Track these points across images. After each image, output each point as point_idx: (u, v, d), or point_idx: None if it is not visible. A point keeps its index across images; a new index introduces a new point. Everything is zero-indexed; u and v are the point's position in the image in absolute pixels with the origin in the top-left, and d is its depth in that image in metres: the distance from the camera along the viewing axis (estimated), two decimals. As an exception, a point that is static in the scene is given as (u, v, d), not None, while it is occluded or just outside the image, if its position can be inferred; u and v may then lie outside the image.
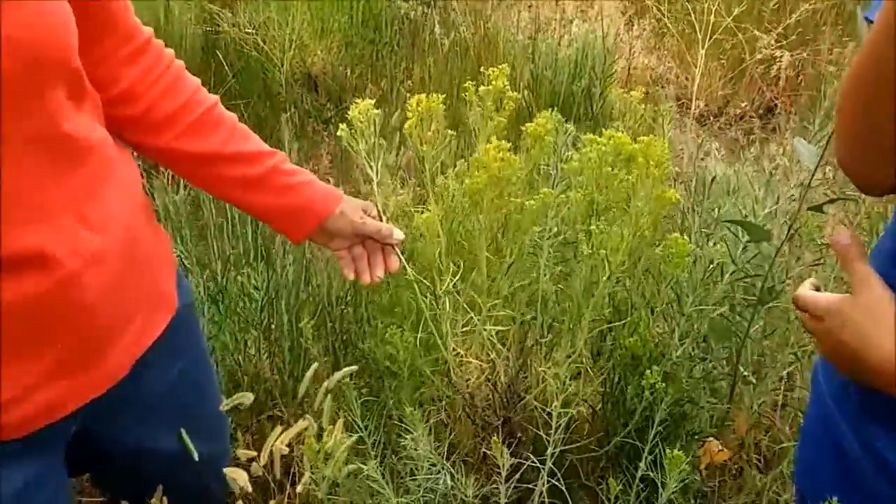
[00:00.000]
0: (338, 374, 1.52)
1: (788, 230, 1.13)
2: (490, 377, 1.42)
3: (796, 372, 1.44)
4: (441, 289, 1.23)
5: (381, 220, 1.17)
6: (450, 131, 1.24)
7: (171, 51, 1.01)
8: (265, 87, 3.25)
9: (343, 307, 1.74)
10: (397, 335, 1.33)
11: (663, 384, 1.17)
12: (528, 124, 1.38)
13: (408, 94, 3.47)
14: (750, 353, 1.31)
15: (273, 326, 1.80)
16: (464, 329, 1.41)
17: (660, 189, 1.21)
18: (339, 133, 1.16)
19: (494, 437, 1.05)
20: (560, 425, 1.12)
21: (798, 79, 3.56)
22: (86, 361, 0.87)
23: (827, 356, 0.78)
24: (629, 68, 3.51)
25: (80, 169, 0.83)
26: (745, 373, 1.32)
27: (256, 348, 1.85)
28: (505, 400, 1.41)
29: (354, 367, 1.54)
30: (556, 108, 1.52)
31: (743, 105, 3.67)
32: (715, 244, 1.25)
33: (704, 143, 2.94)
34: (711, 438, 1.37)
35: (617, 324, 1.27)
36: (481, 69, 1.43)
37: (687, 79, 4.00)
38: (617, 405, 1.31)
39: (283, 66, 3.28)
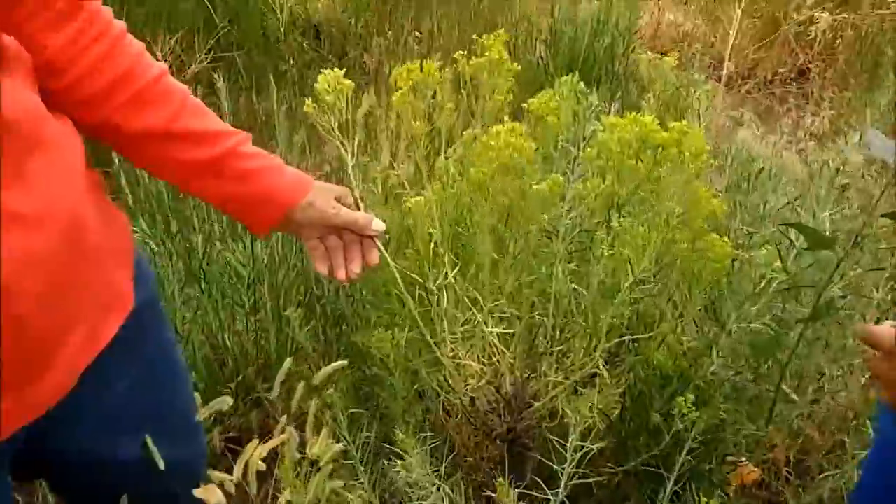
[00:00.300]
0: (324, 371, 1.36)
1: (855, 238, 0.95)
2: (492, 381, 1.26)
3: (835, 379, 1.27)
4: (434, 283, 1.06)
5: (358, 209, 1.01)
6: (449, 105, 1.06)
7: (112, 17, 0.84)
8: (263, 35, 3.03)
9: (335, 291, 1.57)
10: (387, 339, 1.17)
11: (696, 411, 1.00)
12: (531, 100, 1.18)
13: (416, 47, 3.24)
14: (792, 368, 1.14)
15: (258, 308, 1.63)
16: (463, 328, 1.25)
17: (696, 188, 1.02)
18: (304, 108, 0.99)
19: (500, 479, 0.88)
20: (574, 459, 0.95)
21: (836, 42, 3.31)
22: (24, 378, 0.75)
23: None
24: (656, 24, 3.27)
25: None
26: (788, 390, 1.15)
27: (245, 327, 1.69)
28: (510, 409, 1.25)
29: (343, 363, 1.38)
30: (575, 71, 1.33)
31: (775, 68, 3.43)
32: (762, 247, 1.07)
33: (738, 113, 2.74)
34: (744, 461, 1.21)
35: (642, 335, 1.10)
36: (497, 23, 1.24)
37: (715, 37, 3.75)
38: (638, 423, 1.15)
39: (282, 12, 3.05)
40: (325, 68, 3.08)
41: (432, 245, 1.20)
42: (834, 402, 1.24)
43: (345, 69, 2.86)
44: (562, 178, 1.04)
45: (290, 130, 2.64)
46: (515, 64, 1.09)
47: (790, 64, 3.55)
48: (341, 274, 1.00)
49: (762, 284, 1.01)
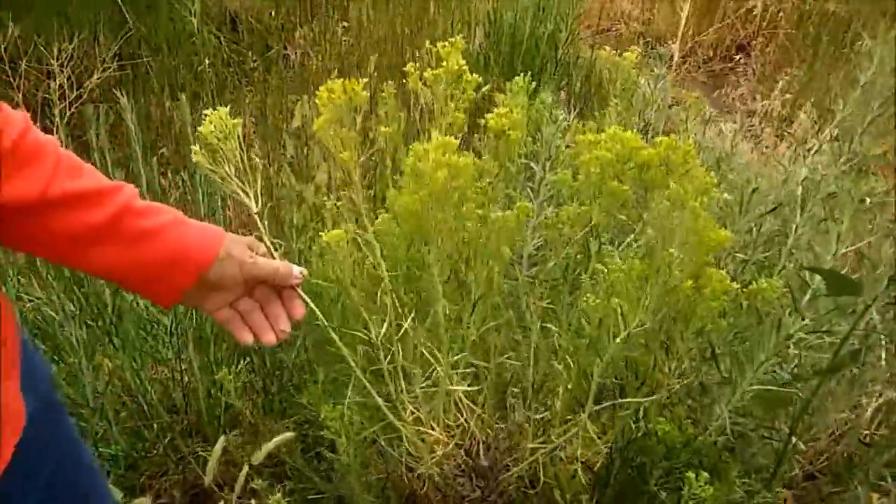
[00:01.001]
0: (266, 448, 1.17)
1: (888, 284, 0.81)
2: (461, 443, 1.09)
3: (848, 423, 1.16)
4: (380, 337, 0.90)
5: (272, 257, 0.85)
6: (383, 129, 0.89)
7: None
8: (175, 33, 2.76)
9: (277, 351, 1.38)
10: (336, 414, 0.98)
11: (709, 487, 0.86)
12: (488, 115, 1.01)
13: (344, 39, 3.02)
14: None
15: (183, 359, 1.42)
16: (422, 387, 1.07)
17: (697, 220, 0.86)
18: (192, 156, 0.81)
19: None
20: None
21: (777, 16, 3.23)
22: None
23: None
24: (599, 8, 3.13)
25: None
26: (799, 442, 1.01)
27: (172, 381, 1.48)
28: (483, 475, 1.09)
29: (289, 435, 1.20)
30: (517, 60, 1.17)
31: (716, 45, 3.33)
32: (768, 281, 0.92)
33: (683, 93, 2.61)
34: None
35: (641, 399, 0.95)
36: (431, 10, 1.05)
37: (651, 15, 3.63)
38: (633, 494, 1.00)
39: (195, 3, 2.78)
40: (246, 65, 2.80)
41: (379, 292, 1.02)
42: (842, 444, 1.13)
43: (267, 65, 2.60)
44: (530, 205, 0.87)
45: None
46: (476, 75, 0.91)
47: (729, 41, 3.46)
48: (269, 337, 0.84)
49: (777, 333, 0.87)
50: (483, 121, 1.14)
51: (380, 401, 1.03)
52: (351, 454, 1.05)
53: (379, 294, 1.03)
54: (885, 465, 1.10)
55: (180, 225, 0.77)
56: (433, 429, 1.08)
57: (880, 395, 1.35)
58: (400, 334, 1.01)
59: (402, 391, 1.07)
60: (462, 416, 1.11)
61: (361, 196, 1.01)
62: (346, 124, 0.89)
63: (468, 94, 1.00)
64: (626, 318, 0.88)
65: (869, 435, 1.35)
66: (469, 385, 1.07)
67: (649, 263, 0.87)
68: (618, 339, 0.89)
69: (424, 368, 1.07)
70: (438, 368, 1.03)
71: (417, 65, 0.97)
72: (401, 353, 1.05)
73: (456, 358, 1.04)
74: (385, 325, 1.00)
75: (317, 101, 0.91)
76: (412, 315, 1.03)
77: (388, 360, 1.03)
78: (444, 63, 0.96)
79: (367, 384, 1.02)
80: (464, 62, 0.99)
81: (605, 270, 0.91)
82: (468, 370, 1.07)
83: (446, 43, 0.98)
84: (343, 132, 0.90)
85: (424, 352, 1.05)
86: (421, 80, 0.93)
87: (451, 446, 1.10)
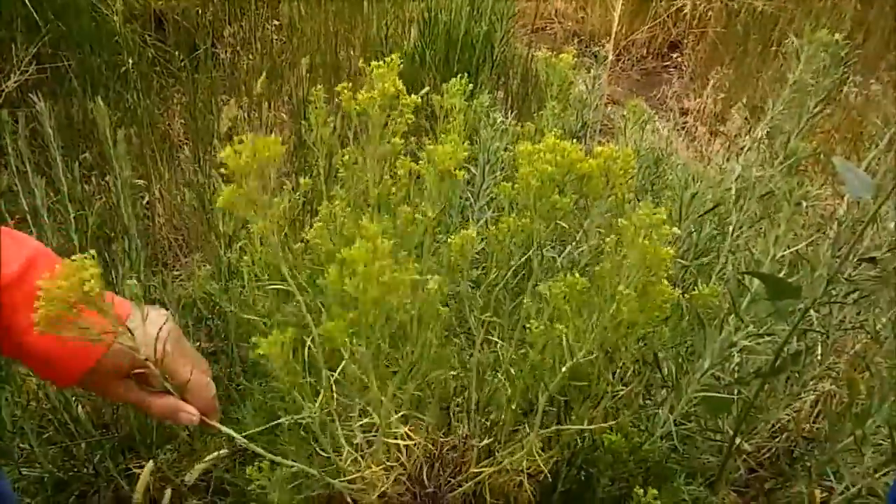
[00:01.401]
0: (198, 468, 1.12)
1: (826, 285, 0.81)
2: (403, 471, 1.05)
3: (788, 416, 1.16)
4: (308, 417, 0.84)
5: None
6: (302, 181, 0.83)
7: None
8: (97, 30, 2.64)
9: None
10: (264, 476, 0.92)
11: (657, 501, 0.84)
12: (429, 148, 0.96)
13: (275, 36, 2.94)
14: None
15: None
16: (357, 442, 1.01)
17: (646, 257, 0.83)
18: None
19: None
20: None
21: (706, 15, 3.28)
22: None
23: None
24: (535, 6, 3.12)
25: None
26: (743, 442, 1.02)
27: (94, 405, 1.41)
28: (429, 499, 1.05)
29: (222, 452, 1.14)
30: (453, 59, 1.14)
31: (648, 43, 3.37)
32: (708, 286, 0.92)
33: (618, 91, 2.63)
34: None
35: (585, 426, 0.92)
36: (365, 8, 1.00)
37: (585, 14, 3.65)
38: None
39: (116, 1, 2.67)
40: (173, 64, 2.70)
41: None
42: (784, 438, 1.14)
43: (195, 65, 2.51)
44: (474, 235, 0.83)
45: (142, 141, 2.31)
46: (414, 96, 0.87)
47: (662, 38, 3.50)
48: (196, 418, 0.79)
49: (719, 336, 0.86)
50: (424, 122, 1.10)
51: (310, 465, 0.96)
52: (278, 479, 1.00)
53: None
54: (828, 462, 1.11)
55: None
56: (372, 466, 1.02)
57: (815, 388, 1.37)
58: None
59: (337, 434, 1.00)
60: (403, 451, 1.06)
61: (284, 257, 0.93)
62: (260, 188, 0.78)
63: (406, 116, 0.96)
64: (571, 347, 0.86)
65: (809, 428, 1.37)
66: (409, 410, 1.02)
67: (596, 294, 0.84)
68: (564, 369, 0.86)
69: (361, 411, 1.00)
70: (375, 416, 0.96)
71: (349, 84, 0.91)
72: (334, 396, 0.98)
73: (394, 418, 0.97)
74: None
75: (222, 161, 0.78)
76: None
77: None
78: (380, 85, 0.91)
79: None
80: (401, 83, 0.93)
81: (548, 294, 0.88)
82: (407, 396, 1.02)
83: (381, 63, 0.92)
84: (258, 197, 0.79)
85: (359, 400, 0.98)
86: (354, 100, 0.88)
87: (392, 479, 1.05)
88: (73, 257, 0.63)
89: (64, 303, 0.60)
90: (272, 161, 0.69)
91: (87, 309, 0.63)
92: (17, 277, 0.65)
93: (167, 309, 0.95)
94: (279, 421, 0.98)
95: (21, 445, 1.34)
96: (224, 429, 0.79)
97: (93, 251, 0.64)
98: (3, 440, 1.31)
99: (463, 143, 1.15)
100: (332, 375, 0.83)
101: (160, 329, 0.73)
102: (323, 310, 0.91)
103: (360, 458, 0.91)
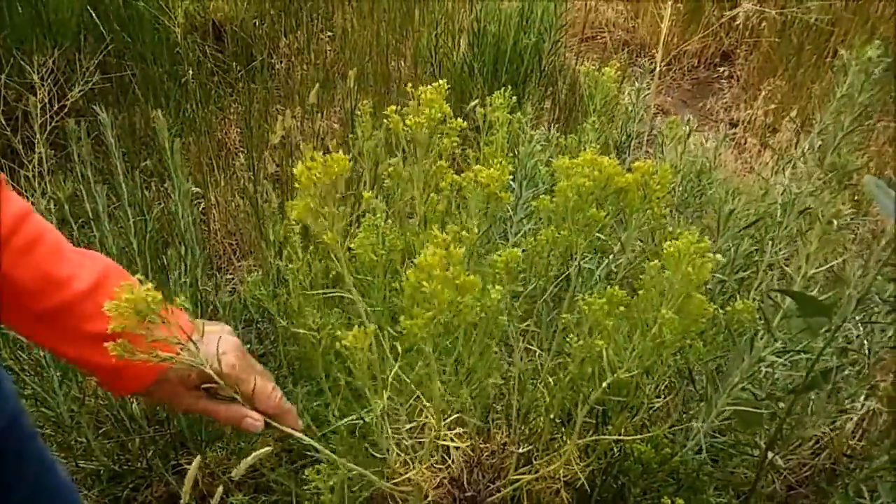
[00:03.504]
0: (245, 464, 1.16)
1: (857, 303, 0.82)
2: (446, 475, 1.08)
3: (830, 435, 1.16)
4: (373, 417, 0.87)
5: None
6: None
7: None
8: (158, 42, 2.74)
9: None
10: (316, 441, 0.97)
11: (686, 508, 0.86)
12: (476, 168, 0.98)
13: (328, 48, 3.01)
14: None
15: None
16: (411, 442, 1.05)
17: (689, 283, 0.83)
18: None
19: None
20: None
21: (760, 25, 3.24)
22: None
23: None
24: (585, 17, 3.13)
25: None
26: (776, 457, 1.02)
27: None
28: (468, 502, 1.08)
29: (268, 450, 1.18)
30: (501, 71, 1.16)
31: (700, 54, 3.35)
32: (745, 303, 0.93)
33: (667, 101, 2.63)
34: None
35: (623, 435, 0.94)
36: (415, 19, 1.03)
37: (635, 24, 3.64)
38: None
39: (177, 13, 2.77)
40: (230, 75, 2.79)
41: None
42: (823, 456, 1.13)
43: (251, 75, 2.59)
44: (519, 253, 0.86)
45: (199, 149, 2.40)
46: (459, 120, 0.90)
47: (714, 48, 3.47)
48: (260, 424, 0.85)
49: (751, 352, 0.87)
50: (469, 132, 1.13)
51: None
52: (334, 482, 1.04)
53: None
54: (865, 479, 1.11)
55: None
56: (422, 469, 1.06)
57: (862, 406, 1.36)
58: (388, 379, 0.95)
59: (388, 437, 1.03)
60: (449, 457, 1.09)
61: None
62: (327, 202, 0.82)
63: (451, 139, 0.99)
64: (611, 362, 0.87)
65: (850, 447, 1.36)
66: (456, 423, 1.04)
67: (637, 313, 0.85)
68: (604, 384, 0.88)
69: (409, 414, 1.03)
70: (431, 418, 0.99)
71: (398, 108, 0.94)
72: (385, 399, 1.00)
73: (449, 421, 1.00)
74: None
75: (295, 176, 0.82)
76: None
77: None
78: (427, 110, 0.94)
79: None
80: (447, 106, 0.96)
81: (587, 310, 0.89)
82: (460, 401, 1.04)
83: (429, 88, 0.95)
84: (326, 210, 0.83)
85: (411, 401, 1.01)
86: (402, 123, 0.91)
87: (437, 482, 1.08)
88: (138, 276, 0.68)
89: (135, 316, 0.65)
90: (340, 176, 0.74)
91: (155, 323, 0.68)
92: (89, 290, 0.70)
93: (226, 322, 1.00)
94: (345, 420, 1.02)
95: (78, 439, 1.41)
96: (294, 432, 0.84)
97: (139, 276, 0.69)
98: (63, 434, 1.38)
99: (506, 155, 1.19)
100: (400, 375, 0.87)
101: (223, 342, 0.78)
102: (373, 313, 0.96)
103: (409, 461, 0.94)
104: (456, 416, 0.91)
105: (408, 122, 0.87)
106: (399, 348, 0.83)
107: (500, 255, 0.86)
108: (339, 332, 0.76)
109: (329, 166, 0.72)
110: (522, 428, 1.09)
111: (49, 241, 0.70)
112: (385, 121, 1.00)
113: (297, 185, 0.73)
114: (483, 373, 0.87)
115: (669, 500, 0.84)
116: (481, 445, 1.13)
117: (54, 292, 0.68)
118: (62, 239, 0.73)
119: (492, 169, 0.88)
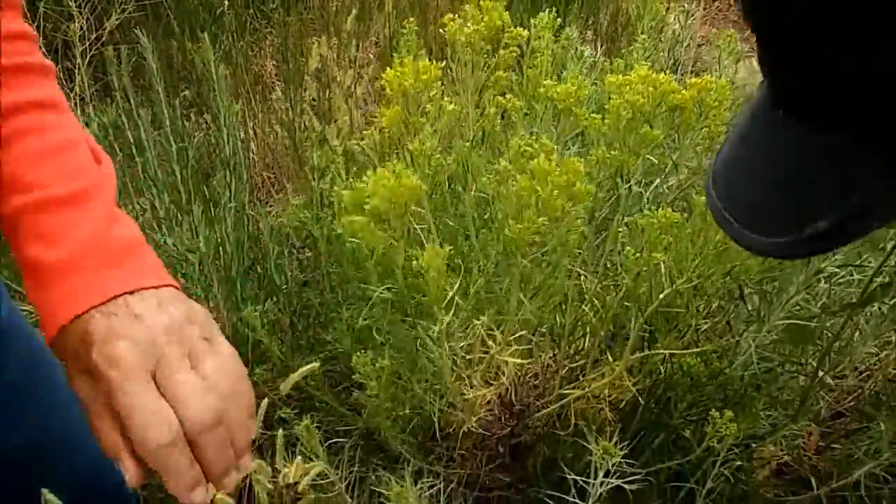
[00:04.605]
0: (291, 378, 1.18)
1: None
2: (499, 394, 1.09)
3: (876, 362, 1.15)
4: (438, 329, 0.87)
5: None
6: (450, 107, 0.85)
7: None
8: (194, -28, 2.71)
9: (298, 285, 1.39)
10: (365, 359, 0.98)
11: (733, 423, 0.86)
12: (547, 84, 0.96)
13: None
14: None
15: (209, 298, 1.44)
16: (472, 357, 1.05)
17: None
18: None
19: None
20: (601, 494, 0.81)
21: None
22: None
23: None
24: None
25: None
26: (826, 377, 1.01)
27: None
28: (515, 416, 1.10)
29: (314, 366, 1.20)
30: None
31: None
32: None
33: (735, 43, 2.54)
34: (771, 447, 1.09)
35: (671, 350, 0.94)
36: None
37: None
38: (658, 427, 1.01)
39: (213, -56, 2.73)
40: (265, 6, 2.75)
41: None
42: (870, 382, 1.12)
43: (287, 6, 2.55)
44: (581, 167, 0.84)
45: (236, 82, 2.39)
46: (520, 29, 0.88)
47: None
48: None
49: (807, 268, 0.86)
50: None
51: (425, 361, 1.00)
52: (381, 397, 1.07)
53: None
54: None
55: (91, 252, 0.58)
56: (479, 387, 1.06)
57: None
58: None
59: (444, 354, 1.01)
60: (503, 377, 1.09)
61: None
62: (413, 111, 0.82)
63: (511, 49, 0.98)
64: (671, 274, 0.87)
65: (896, 373, 1.35)
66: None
67: (701, 222, 0.84)
68: (662, 295, 0.88)
69: (473, 345, 1.02)
70: (494, 347, 0.98)
71: (457, 17, 0.93)
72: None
73: (514, 336, 0.99)
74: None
75: (385, 85, 0.83)
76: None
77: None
78: (485, 18, 0.92)
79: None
80: (507, 14, 0.94)
81: (644, 224, 0.88)
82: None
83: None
84: (413, 119, 0.82)
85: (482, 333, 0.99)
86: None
87: (489, 398, 1.09)
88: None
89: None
90: (429, 84, 0.74)
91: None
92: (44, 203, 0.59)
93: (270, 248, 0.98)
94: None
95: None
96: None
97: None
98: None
99: (549, 78, 1.17)
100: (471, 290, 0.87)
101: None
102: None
103: (463, 377, 0.95)
104: (520, 333, 0.92)
105: (466, 31, 0.85)
106: (462, 265, 0.83)
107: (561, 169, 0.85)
108: (409, 250, 0.75)
109: (420, 73, 0.71)
110: (568, 348, 1.10)
111: (40, 140, 0.60)
112: (426, 46, 0.99)
113: (388, 91, 0.73)
114: (557, 289, 0.87)
115: (717, 413, 0.85)
116: (528, 364, 1.14)
117: (11, 196, 0.58)
118: (72, 143, 0.63)
119: (567, 85, 0.87)
